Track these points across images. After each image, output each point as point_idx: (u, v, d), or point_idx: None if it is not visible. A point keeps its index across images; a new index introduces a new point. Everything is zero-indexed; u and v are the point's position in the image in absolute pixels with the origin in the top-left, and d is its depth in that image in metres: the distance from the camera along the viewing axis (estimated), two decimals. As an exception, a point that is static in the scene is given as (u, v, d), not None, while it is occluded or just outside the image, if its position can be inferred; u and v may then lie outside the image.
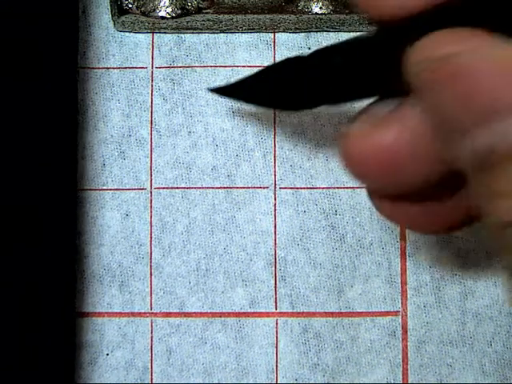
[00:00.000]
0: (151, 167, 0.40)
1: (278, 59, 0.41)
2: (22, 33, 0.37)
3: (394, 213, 0.29)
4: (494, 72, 0.21)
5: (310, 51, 0.29)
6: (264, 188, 0.40)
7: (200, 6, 0.40)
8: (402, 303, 0.39)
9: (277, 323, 0.39)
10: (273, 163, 0.40)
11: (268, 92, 0.31)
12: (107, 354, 0.39)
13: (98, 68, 0.40)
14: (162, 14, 0.40)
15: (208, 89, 0.37)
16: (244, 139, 0.40)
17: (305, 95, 0.29)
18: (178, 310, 0.39)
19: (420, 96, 0.23)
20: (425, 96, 0.23)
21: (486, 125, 0.21)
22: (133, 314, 0.39)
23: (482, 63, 0.21)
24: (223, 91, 0.35)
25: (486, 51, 0.21)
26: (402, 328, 0.39)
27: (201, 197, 0.40)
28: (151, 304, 0.39)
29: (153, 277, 0.39)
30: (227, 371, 0.39)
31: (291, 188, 0.40)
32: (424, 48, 0.22)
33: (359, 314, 0.39)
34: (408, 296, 0.39)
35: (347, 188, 0.40)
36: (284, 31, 0.41)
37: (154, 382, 0.39)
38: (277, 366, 0.39)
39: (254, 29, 0.41)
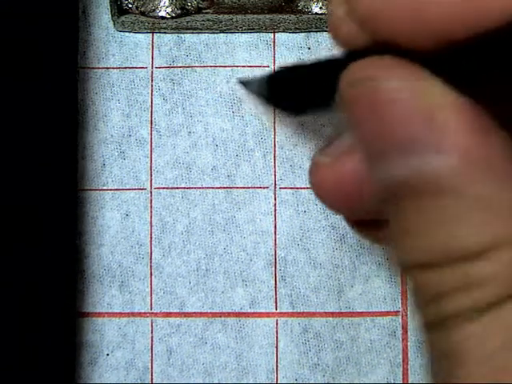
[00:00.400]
0: (151, 167, 0.40)
1: (277, 59, 0.41)
2: (22, 33, 0.37)
3: (368, 235, 0.29)
4: (413, 108, 0.20)
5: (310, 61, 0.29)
6: (264, 188, 0.40)
7: (200, 6, 0.40)
8: (402, 303, 0.39)
9: (277, 323, 0.39)
10: (273, 163, 0.40)
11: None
12: (107, 354, 0.39)
13: (98, 68, 0.40)
14: (162, 14, 0.40)
15: (239, 80, 0.36)
16: (244, 139, 0.40)
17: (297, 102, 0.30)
18: (178, 310, 0.39)
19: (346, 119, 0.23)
20: (347, 118, 0.23)
21: (399, 157, 0.21)
22: (133, 314, 0.39)
23: (400, 95, 0.21)
24: (250, 86, 0.35)
25: (407, 84, 0.21)
26: (402, 328, 0.39)
27: (201, 197, 0.40)
28: (151, 304, 0.39)
29: (153, 277, 0.39)
30: (227, 371, 0.39)
31: (291, 188, 0.40)
32: (351, 71, 0.22)
33: (359, 314, 0.39)
34: (408, 296, 0.39)
35: (347, 188, 0.40)
36: (284, 31, 0.41)
37: (154, 382, 0.39)
38: (277, 366, 0.39)
39: (253, 29, 0.41)
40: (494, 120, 0.20)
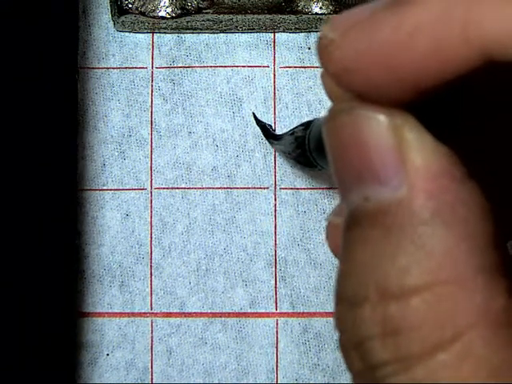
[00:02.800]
0: (151, 167, 0.40)
1: (277, 59, 0.41)
2: (22, 33, 0.37)
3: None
4: (372, 142, 0.21)
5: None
6: (264, 188, 0.40)
7: (200, 6, 0.40)
8: (401, 303, 0.39)
9: (277, 323, 0.39)
10: (273, 164, 0.40)
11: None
12: (107, 354, 0.39)
13: (98, 68, 0.40)
14: (162, 14, 0.40)
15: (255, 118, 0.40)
16: (244, 140, 0.40)
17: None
18: (178, 310, 0.39)
19: None
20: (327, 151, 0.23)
21: (355, 186, 0.21)
22: (133, 314, 0.39)
23: (363, 130, 0.21)
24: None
25: (368, 122, 0.21)
26: (402, 328, 0.39)
27: (201, 197, 0.40)
28: (151, 304, 0.39)
29: (153, 277, 0.39)
30: (227, 371, 0.39)
31: (291, 188, 0.40)
32: (329, 110, 0.23)
33: (359, 314, 0.39)
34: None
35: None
36: (284, 31, 0.41)
37: (154, 382, 0.39)
38: (277, 366, 0.39)
39: (253, 29, 0.41)
40: (464, 167, 0.21)
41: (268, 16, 0.40)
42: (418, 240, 0.20)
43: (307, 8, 0.40)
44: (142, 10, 0.40)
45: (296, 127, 0.37)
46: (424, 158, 0.20)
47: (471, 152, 0.22)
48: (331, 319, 0.39)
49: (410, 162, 0.20)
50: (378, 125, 0.21)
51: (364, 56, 0.20)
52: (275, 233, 0.39)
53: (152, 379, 0.39)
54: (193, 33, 0.41)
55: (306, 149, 0.35)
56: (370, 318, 0.20)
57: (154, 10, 0.40)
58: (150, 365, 0.39)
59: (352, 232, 0.21)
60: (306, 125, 0.35)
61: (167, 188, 0.40)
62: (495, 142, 0.25)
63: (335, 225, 0.26)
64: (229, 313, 0.39)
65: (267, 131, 0.39)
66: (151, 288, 0.39)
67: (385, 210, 0.20)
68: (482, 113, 0.24)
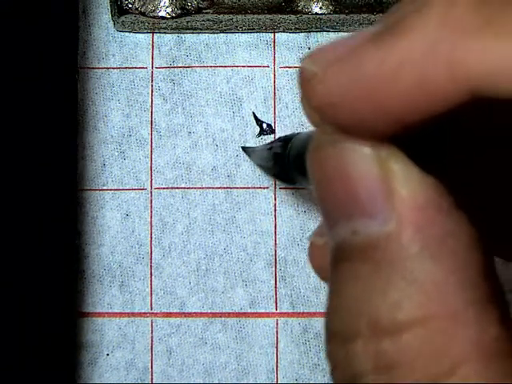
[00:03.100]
0: (151, 167, 0.40)
1: (277, 59, 0.41)
2: (22, 33, 0.37)
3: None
4: (358, 175, 0.21)
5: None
6: (264, 188, 0.40)
7: (200, 6, 0.40)
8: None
9: (277, 323, 0.39)
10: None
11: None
12: (107, 354, 0.39)
13: (98, 68, 0.40)
14: (162, 14, 0.40)
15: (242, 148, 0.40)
16: (244, 140, 0.40)
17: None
18: (178, 310, 0.39)
19: None
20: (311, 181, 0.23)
21: (341, 220, 0.21)
22: (133, 314, 0.39)
23: (349, 160, 0.21)
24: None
25: (355, 158, 0.21)
26: (402, 328, 0.39)
27: (201, 197, 0.40)
28: (151, 304, 0.39)
29: (153, 277, 0.39)
30: (227, 371, 0.39)
31: (291, 188, 0.40)
32: (314, 138, 0.22)
33: (359, 314, 0.39)
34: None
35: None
36: (284, 31, 0.41)
37: (154, 382, 0.39)
38: (277, 366, 0.39)
39: (253, 29, 0.41)
40: (451, 197, 0.20)
41: (268, 16, 0.40)
42: (409, 275, 0.20)
43: (307, 8, 0.40)
44: (142, 10, 0.40)
45: (273, 142, 0.36)
46: (411, 191, 0.20)
47: (459, 185, 0.22)
48: (331, 319, 0.39)
49: (398, 194, 0.20)
50: (363, 157, 0.20)
51: (348, 91, 0.20)
52: (275, 233, 0.39)
53: (152, 379, 0.39)
54: (193, 33, 0.41)
55: (285, 166, 0.34)
56: (363, 353, 0.20)
57: (153, 10, 0.40)
58: (150, 365, 0.39)
59: (341, 266, 0.21)
60: (284, 141, 0.35)
61: (167, 188, 0.40)
62: (484, 176, 0.25)
63: (318, 246, 0.26)
64: (229, 313, 0.39)
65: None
66: (151, 288, 0.39)
67: (374, 244, 0.20)
68: (471, 147, 0.24)
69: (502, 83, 0.18)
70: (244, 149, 0.39)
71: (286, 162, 0.34)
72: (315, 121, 0.22)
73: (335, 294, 0.21)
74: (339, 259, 0.21)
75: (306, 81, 0.21)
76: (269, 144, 0.37)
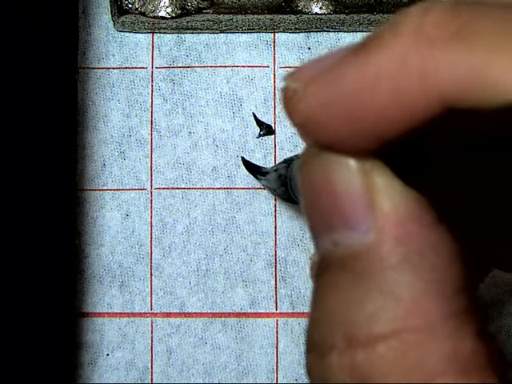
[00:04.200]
0: (151, 167, 0.40)
1: (277, 59, 0.41)
2: (22, 33, 0.37)
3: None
4: (341, 187, 0.21)
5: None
6: (264, 189, 0.40)
7: (200, 6, 0.40)
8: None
9: (277, 323, 0.39)
10: (273, 164, 0.40)
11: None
12: (107, 355, 0.39)
13: (98, 68, 0.40)
14: (162, 14, 0.40)
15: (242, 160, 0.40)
16: (244, 140, 0.40)
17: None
18: (178, 311, 0.39)
19: None
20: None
21: (325, 231, 0.21)
22: (133, 315, 0.39)
23: (334, 180, 0.21)
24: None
25: (339, 174, 0.21)
26: (402, 328, 0.39)
27: (201, 197, 0.40)
28: (151, 304, 0.39)
29: (153, 277, 0.39)
30: (227, 371, 0.39)
31: (291, 188, 0.40)
32: (301, 156, 0.23)
33: (359, 314, 0.39)
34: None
35: (347, 188, 0.40)
36: (284, 31, 0.41)
37: (154, 382, 0.39)
38: (277, 366, 0.39)
39: (253, 29, 0.41)
40: (433, 211, 0.20)
41: (268, 16, 0.40)
42: (386, 286, 0.20)
43: (307, 8, 0.40)
44: (142, 10, 0.40)
45: (279, 163, 0.37)
46: (393, 203, 0.20)
47: (440, 196, 0.22)
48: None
49: (379, 206, 0.20)
50: (348, 170, 0.21)
51: (327, 107, 0.20)
52: (275, 233, 0.39)
53: (152, 379, 0.39)
54: (193, 33, 0.41)
55: (288, 187, 0.35)
56: (338, 366, 0.20)
57: (153, 10, 0.40)
58: (150, 365, 0.39)
59: (321, 277, 0.21)
60: (289, 162, 0.35)
61: (167, 188, 0.40)
62: (464, 186, 0.25)
63: (315, 262, 0.26)
64: (229, 313, 0.39)
65: (253, 167, 0.39)
66: (151, 288, 0.39)
67: (354, 256, 0.20)
68: (450, 156, 0.24)
69: (472, 94, 0.18)
70: (250, 170, 0.39)
71: (288, 183, 0.34)
72: (302, 136, 0.22)
73: (315, 305, 0.21)
74: (321, 270, 0.21)
75: (287, 99, 0.21)
76: (275, 166, 0.37)
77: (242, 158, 0.40)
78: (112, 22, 0.40)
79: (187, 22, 0.40)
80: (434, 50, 0.18)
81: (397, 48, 0.19)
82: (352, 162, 0.21)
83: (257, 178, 0.39)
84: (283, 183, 0.36)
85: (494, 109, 0.18)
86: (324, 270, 0.21)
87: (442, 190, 0.24)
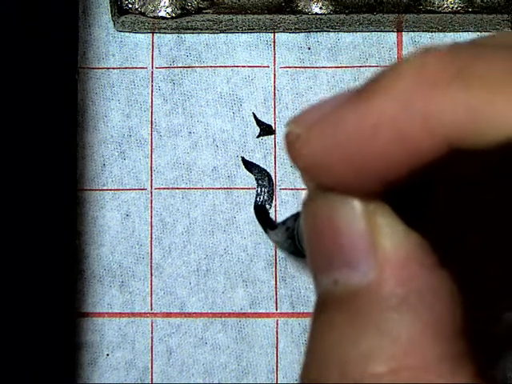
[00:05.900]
0: (151, 167, 0.40)
1: (277, 59, 0.41)
2: (22, 33, 0.37)
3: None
4: (344, 227, 0.21)
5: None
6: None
7: (200, 6, 0.40)
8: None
9: (277, 323, 0.39)
10: (273, 164, 0.40)
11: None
12: (107, 355, 0.39)
13: (98, 68, 0.40)
14: (162, 14, 0.40)
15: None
16: (244, 140, 0.40)
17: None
18: (178, 311, 0.39)
19: None
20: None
21: (325, 270, 0.21)
22: (133, 315, 0.39)
23: (335, 219, 0.21)
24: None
25: (340, 213, 0.21)
26: (402, 328, 0.39)
27: (201, 197, 0.40)
28: (151, 304, 0.39)
29: (153, 277, 0.39)
30: (227, 371, 0.39)
31: (291, 189, 0.40)
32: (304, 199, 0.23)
33: (359, 314, 0.39)
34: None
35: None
36: (284, 31, 0.41)
37: (154, 382, 0.39)
38: (277, 366, 0.39)
39: (253, 29, 0.41)
40: (435, 254, 0.21)
41: (268, 16, 0.40)
42: (383, 326, 0.20)
43: (307, 8, 0.40)
44: (142, 10, 0.40)
45: (288, 218, 0.36)
46: (394, 245, 0.20)
47: (444, 238, 0.22)
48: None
49: (381, 247, 0.20)
50: (352, 210, 0.21)
51: (330, 150, 0.20)
52: (275, 233, 0.39)
53: (152, 379, 0.39)
54: (193, 33, 0.41)
55: (295, 240, 0.35)
56: None
57: (153, 10, 0.40)
58: (150, 365, 0.39)
59: (319, 315, 0.21)
60: (296, 215, 0.35)
61: (167, 188, 0.40)
62: (469, 227, 0.25)
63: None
64: (229, 313, 0.39)
65: (265, 220, 0.38)
66: (151, 288, 0.39)
67: (353, 294, 0.20)
68: (454, 198, 0.25)
69: (473, 133, 0.18)
70: (261, 223, 0.39)
71: (295, 235, 0.35)
72: (306, 180, 0.22)
73: (311, 341, 0.21)
74: (319, 308, 0.21)
75: (291, 143, 0.21)
76: (284, 220, 0.37)
77: (256, 207, 0.39)
78: (112, 22, 0.40)
79: (187, 22, 0.40)
80: (436, 92, 0.19)
81: (399, 91, 0.19)
82: (356, 203, 0.21)
83: (265, 232, 0.39)
84: (290, 235, 0.36)
85: (495, 146, 0.18)
86: (322, 307, 0.21)
87: (448, 231, 0.24)
